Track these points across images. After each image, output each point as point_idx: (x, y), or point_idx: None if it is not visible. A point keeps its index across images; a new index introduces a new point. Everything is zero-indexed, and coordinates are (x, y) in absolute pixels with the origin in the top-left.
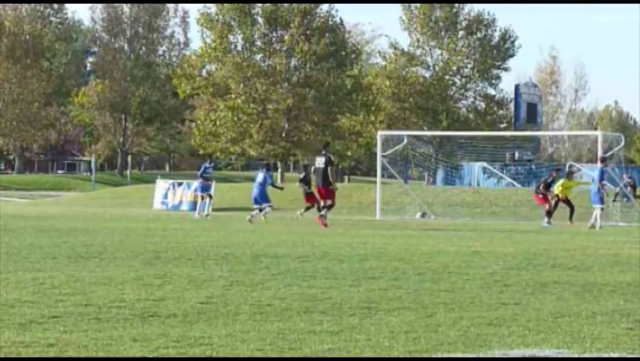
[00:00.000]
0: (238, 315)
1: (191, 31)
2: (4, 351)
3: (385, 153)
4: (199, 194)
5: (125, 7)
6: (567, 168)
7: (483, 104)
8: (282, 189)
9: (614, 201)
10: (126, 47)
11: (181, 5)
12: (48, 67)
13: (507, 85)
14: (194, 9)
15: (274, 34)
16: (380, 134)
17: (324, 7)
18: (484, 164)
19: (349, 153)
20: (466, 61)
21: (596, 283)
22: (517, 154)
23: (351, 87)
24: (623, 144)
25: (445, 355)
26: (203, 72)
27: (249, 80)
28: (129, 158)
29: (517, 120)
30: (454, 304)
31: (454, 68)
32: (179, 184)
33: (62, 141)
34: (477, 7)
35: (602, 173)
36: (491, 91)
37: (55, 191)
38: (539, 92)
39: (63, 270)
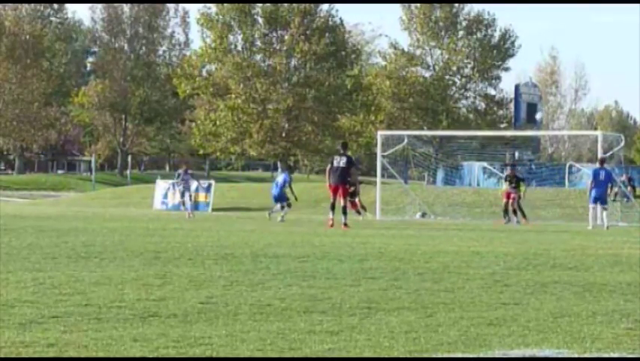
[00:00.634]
0: (238, 315)
1: (191, 31)
2: (4, 351)
3: (385, 153)
4: (180, 192)
5: (125, 7)
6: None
7: (483, 104)
8: (295, 199)
9: (613, 201)
10: (126, 47)
11: (181, 5)
12: (48, 67)
13: (507, 85)
14: (194, 9)
15: (274, 34)
16: (380, 134)
17: (324, 7)
18: (484, 164)
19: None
20: (466, 61)
21: (596, 283)
22: (517, 154)
23: (351, 87)
24: (623, 144)
25: (445, 355)
26: (203, 72)
27: (249, 80)
28: (129, 158)
29: (517, 120)
30: (454, 304)
31: (454, 68)
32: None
33: (62, 141)
34: (477, 7)
35: (595, 172)
36: (491, 91)
37: (55, 191)
38: (539, 92)
39: (63, 270)
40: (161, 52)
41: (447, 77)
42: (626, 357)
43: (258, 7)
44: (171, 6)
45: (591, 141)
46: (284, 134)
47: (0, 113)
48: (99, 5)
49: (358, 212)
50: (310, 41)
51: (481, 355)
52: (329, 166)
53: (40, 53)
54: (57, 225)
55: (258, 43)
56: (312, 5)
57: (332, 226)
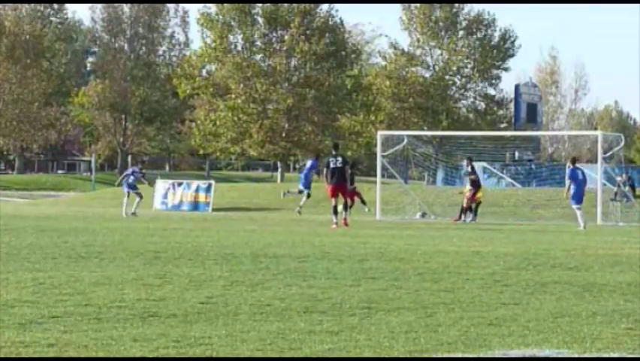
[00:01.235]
0: (238, 315)
1: (191, 31)
2: (4, 351)
3: (385, 153)
4: (130, 191)
5: (125, 7)
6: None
7: (483, 104)
8: (300, 192)
9: (613, 200)
10: (126, 47)
11: (181, 5)
12: (48, 67)
13: (507, 85)
14: (194, 9)
15: (274, 34)
16: (380, 134)
17: (324, 7)
18: (484, 164)
19: (349, 153)
20: (466, 61)
21: (596, 283)
22: (517, 154)
23: (351, 87)
24: (623, 143)
25: (445, 355)
26: (203, 72)
27: (249, 80)
28: (129, 158)
29: (517, 120)
30: (454, 304)
31: (454, 68)
32: (179, 184)
33: (62, 141)
34: (477, 7)
35: (573, 172)
36: (491, 91)
37: (55, 191)
38: (539, 92)
39: (63, 270)
40: (161, 52)
41: (447, 77)
42: (626, 357)
43: (258, 7)
44: (171, 6)
45: (591, 141)
46: (284, 134)
47: (0, 113)
48: (99, 5)
49: (363, 201)
50: (310, 41)
51: (481, 355)
52: (325, 169)
53: (40, 53)
54: (57, 225)
55: (258, 43)
56: (312, 5)
57: (335, 228)
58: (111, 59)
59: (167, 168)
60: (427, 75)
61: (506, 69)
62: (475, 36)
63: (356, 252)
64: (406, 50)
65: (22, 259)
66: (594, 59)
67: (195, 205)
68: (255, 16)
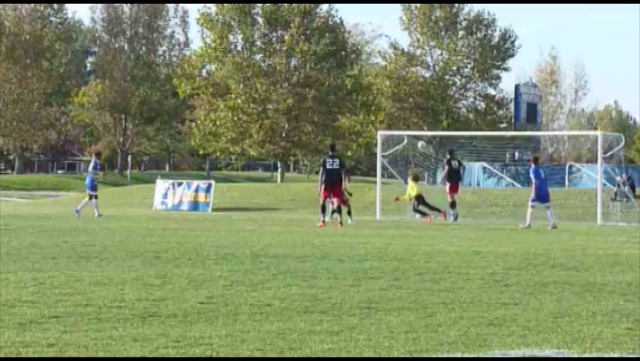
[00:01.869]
0: (238, 315)
1: (191, 31)
2: (4, 351)
3: (385, 153)
4: (91, 193)
5: (125, 7)
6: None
7: (483, 104)
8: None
9: (613, 200)
10: (126, 47)
11: (181, 5)
12: (48, 67)
13: (507, 85)
14: (194, 9)
15: (274, 34)
16: (380, 134)
17: (324, 7)
18: (484, 164)
19: (349, 153)
20: (466, 61)
21: (596, 283)
22: (517, 154)
23: (351, 87)
24: (623, 143)
25: (445, 355)
26: (203, 72)
27: (249, 80)
28: (129, 158)
29: (517, 120)
30: (454, 304)
31: (454, 68)
32: (179, 184)
33: (62, 141)
34: (477, 7)
35: (536, 171)
36: (491, 91)
37: (55, 191)
38: (539, 92)
39: (63, 270)
40: (161, 52)
41: (447, 77)
42: (626, 357)
43: (258, 7)
44: (171, 6)
45: (591, 141)
46: (284, 134)
47: (0, 113)
48: (99, 5)
49: (349, 212)
50: (310, 41)
51: (481, 355)
52: (322, 169)
53: (40, 53)
54: (57, 225)
55: (258, 43)
56: (312, 5)
57: (323, 226)
58: (111, 59)
59: (167, 168)
60: (427, 75)
61: (506, 69)
62: (475, 36)
63: (356, 252)
64: (406, 49)
65: (22, 259)
66: (594, 59)
67: (195, 205)
68: (255, 16)
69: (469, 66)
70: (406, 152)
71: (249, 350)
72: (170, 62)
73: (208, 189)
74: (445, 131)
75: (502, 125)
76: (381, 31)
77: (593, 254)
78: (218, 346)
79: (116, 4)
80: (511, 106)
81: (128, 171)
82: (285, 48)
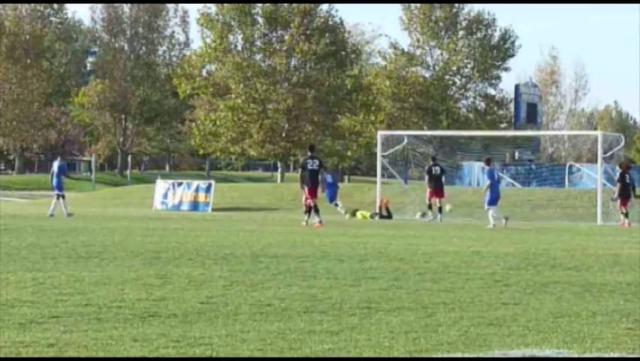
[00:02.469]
0: (238, 315)
1: (191, 31)
2: (4, 351)
3: (385, 153)
4: (58, 193)
5: (125, 7)
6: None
7: (483, 104)
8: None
9: (613, 200)
10: (126, 47)
11: (181, 5)
12: (48, 67)
13: (507, 85)
14: (194, 9)
15: (274, 34)
16: (380, 134)
17: (324, 7)
18: (484, 164)
19: (349, 153)
20: (466, 61)
21: (596, 283)
22: (517, 154)
23: (351, 87)
24: (623, 143)
25: (445, 355)
26: (203, 72)
27: (249, 80)
28: (129, 158)
29: (517, 120)
30: (454, 304)
31: (454, 68)
32: (179, 184)
33: (62, 141)
34: (477, 7)
35: (491, 173)
36: (491, 91)
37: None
38: (539, 92)
39: (63, 270)
40: (161, 52)
41: (447, 77)
42: (626, 357)
43: (258, 7)
44: (171, 6)
45: (591, 141)
46: (284, 134)
47: (0, 113)
48: (99, 5)
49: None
50: (310, 41)
51: (481, 355)
52: (302, 170)
53: (40, 53)
54: (57, 225)
55: (258, 43)
56: (312, 5)
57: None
58: (111, 59)
59: (167, 168)
60: (427, 75)
61: (506, 69)
62: (475, 36)
63: (356, 252)
64: (406, 49)
65: (22, 259)
66: (594, 59)
67: (195, 205)
68: (255, 16)
69: (469, 66)
70: (406, 152)
71: (249, 350)
72: (170, 62)
73: (208, 189)
74: (445, 131)
75: (502, 125)
76: (381, 31)
77: (593, 254)
78: (218, 346)
79: (116, 4)
80: (511, 106)
81: (128, 171)
82: (285, 48)
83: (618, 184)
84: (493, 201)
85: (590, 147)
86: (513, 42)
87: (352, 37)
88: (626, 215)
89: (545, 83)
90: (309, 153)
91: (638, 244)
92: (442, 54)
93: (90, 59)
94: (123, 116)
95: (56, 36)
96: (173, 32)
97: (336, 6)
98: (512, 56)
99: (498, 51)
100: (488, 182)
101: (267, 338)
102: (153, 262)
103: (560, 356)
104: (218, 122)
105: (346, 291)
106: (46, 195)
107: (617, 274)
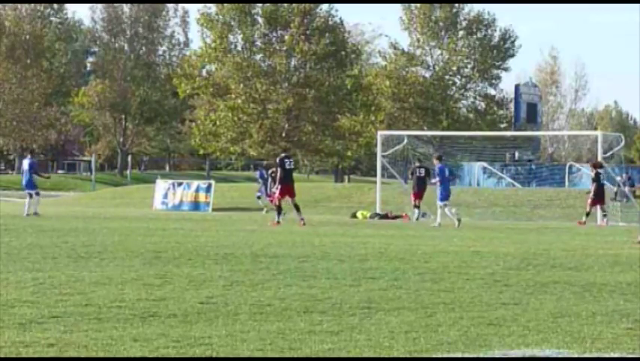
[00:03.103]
0: (238, 315)
1: (191, 31)
2: (4, 351)
3: (385, 153)
4: (32, 192)
5: (125, 7)
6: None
7: (483, 104)
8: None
9: (613, 200)
10: (126, 47)
11: (181, 5)
12: (48, 67)
13: (507, 85)
14: (194, 9)
15: (274, 34)
16: (380, 134)
17: (324, 7)
18: (484, 164)
19: (349, 153)
20: (466, 61)
21: (596, 283)
22: (517, 154)
23: (351, 87)
24: (623, 143)
25: (445, 355)
26: (203, 72)
27: (249, 80)
28: (129, 158)
29: (517, 120)
30: (454, 304)
31: (454, 68)
32: (179, 184)
33: (62, 141)
34: (477, 7)
35: (441, 170)
36: (491, 91)
37: (55, 191)
38: (539, 92)
39: (63, 270)
40: (161, 52)
41: (447, 77)
42: (626, 357)
43: (258, 7)
44: (171, 6)
45: (591, 141)
46: (284, 134)
47: (0, 113)
48: (99, 5)
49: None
50: (310, 41)
51: (481, 355)
52: (280, 169)
53: (40, 53)
54: (57, 225)
55: (258, 43)
56: (312, 5)
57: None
58: (111, 59)
59: (167, 168)
60: (427, 75)
61: (506, 69)
62: (475, 36)
63: (356, 252)
64: (406, 49)
65: (22, 259)
66: (594, 59)
67: (195, 205)
68: (255, 16)
69: (469, 66)
70: (406, 152)
71: (249, 350)
72: (170, 62)
73: (208, 189)
74: (445, 131)
75: (502, 125)
76: (381, 31)
77: (593, 254)
78: (218, 346)
79: (116, 4)
80: (511, 106)
81: (128, 171)
82: (285, 48)
83: (593, 184)
84: (446, 196)
85: (590, 147)
86: (513, 42)
87: (352, 37)
88: (587, 215)
89: (545, 83)
90: (286, 153)
91: (638, 244)
92: (442, 54)
93: (90, 59)
94: (123, 116)
95: (56, 36)
96: (173, 32)
97: (336, 6)
98: (512, 56)
99: (498, 51)
100: (437, 179)
101: (267, 338)
102: (153, 262)
103: (559, 356)
104: (218, 122)
105: (346, 291)
106: (46, 195)
107: (617, 274)
